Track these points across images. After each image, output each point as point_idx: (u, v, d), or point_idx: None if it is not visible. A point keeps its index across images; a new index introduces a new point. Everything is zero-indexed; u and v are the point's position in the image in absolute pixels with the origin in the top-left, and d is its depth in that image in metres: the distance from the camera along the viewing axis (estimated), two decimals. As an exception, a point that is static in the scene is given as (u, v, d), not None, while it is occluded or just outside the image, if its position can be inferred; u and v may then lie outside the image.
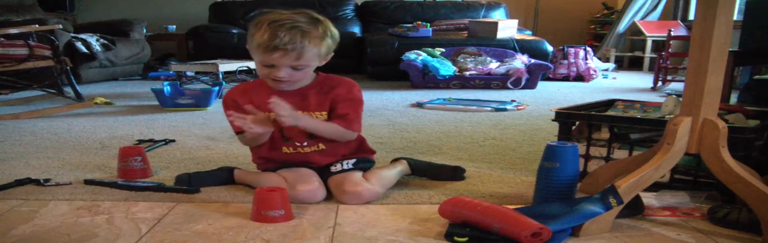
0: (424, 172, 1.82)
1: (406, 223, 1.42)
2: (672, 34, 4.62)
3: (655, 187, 1.57)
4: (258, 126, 1.51)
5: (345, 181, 1.60)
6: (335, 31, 1.58)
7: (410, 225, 1.41)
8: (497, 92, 4.21)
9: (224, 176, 1.75)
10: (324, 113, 1.64)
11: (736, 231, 1.38)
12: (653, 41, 6.11)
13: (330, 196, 1.61)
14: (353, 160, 1.69)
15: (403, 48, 4.82)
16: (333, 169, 1.67)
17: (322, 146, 1.67)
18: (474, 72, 4.46)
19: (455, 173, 1.81)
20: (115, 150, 2.02)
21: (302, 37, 1.48)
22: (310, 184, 1.57)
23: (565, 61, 5.10)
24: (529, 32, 5.75)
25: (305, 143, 1.65)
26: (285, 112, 1.50)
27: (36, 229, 1.36)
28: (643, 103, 1.95)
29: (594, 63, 5.27)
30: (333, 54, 1.60)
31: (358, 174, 1.65)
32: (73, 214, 1.47)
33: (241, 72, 4.10)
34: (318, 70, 1.66)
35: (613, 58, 6.39)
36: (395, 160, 1.84)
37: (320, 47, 1.53)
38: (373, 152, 1.80)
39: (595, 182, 1.61)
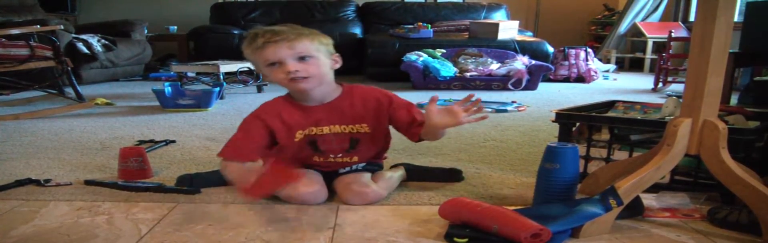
0: (421, 177, 1.80)
1: (406, 224, 1.42)
2: (673, 35, 4.62)
3: (655, 188, 1.57)
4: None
5: (353, 181, 1.60)
6: (320, 33, 1.56)
7: (410, 226, 1.41)
8: (498, 93, 4.21)
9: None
10: (364, 125, 1.60)
11: (736, 232, 1.38)
12: (654, 42, 6.10)
13: (330, 198, 1.61)
14: (363, 164, 1.70)
15: (404, 49, 4.82)
16: (341, 170, 1.68)
17: (355, 158, 1.66)
18: (475, 73, 4.46)
19: (452, 175, 1.81)
20: (116, 150, 2.02)
21: (287, 29, 1.50)
22: (312, 185, 1.57)
23: (566, 63, 5.10)
24: (529, 33, 5.75)
25: (340, 155, 1.64)
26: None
27: (36, 230, 1.36)
28: (644, 105, 1.95)
29: (595, 64, 5.26)
30: (337, 54, 1.57)
31: (367, 175, 1.66)
32: (73, 215, 1.47)
33: (241, 73, 4.10)
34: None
35: (613, 60, 6.39)
36: (394, 166, 1.84)
37: (311, 40, 1.50)
38: (385, 158, 1.80)
39: (595, 183, 1.61)
